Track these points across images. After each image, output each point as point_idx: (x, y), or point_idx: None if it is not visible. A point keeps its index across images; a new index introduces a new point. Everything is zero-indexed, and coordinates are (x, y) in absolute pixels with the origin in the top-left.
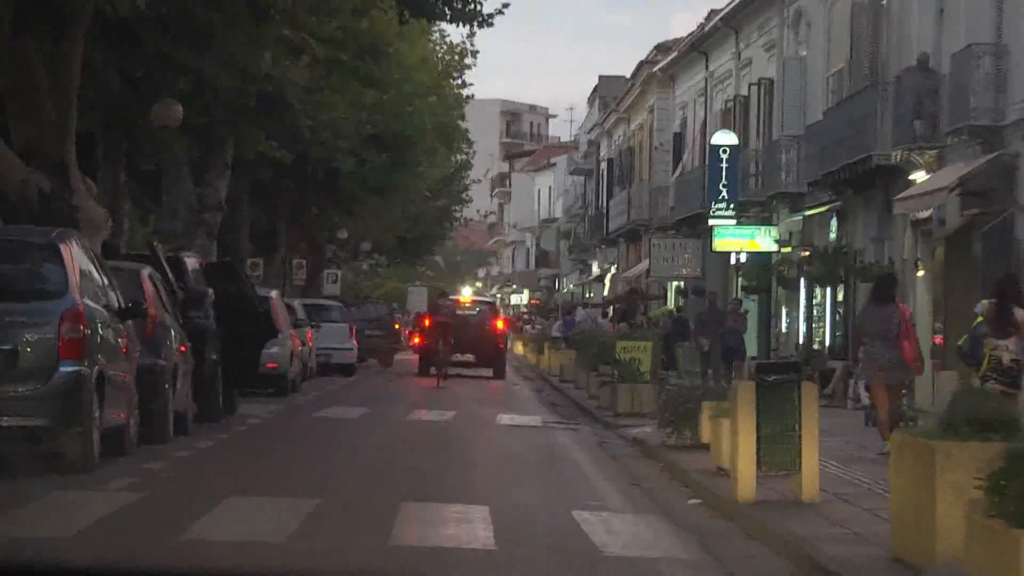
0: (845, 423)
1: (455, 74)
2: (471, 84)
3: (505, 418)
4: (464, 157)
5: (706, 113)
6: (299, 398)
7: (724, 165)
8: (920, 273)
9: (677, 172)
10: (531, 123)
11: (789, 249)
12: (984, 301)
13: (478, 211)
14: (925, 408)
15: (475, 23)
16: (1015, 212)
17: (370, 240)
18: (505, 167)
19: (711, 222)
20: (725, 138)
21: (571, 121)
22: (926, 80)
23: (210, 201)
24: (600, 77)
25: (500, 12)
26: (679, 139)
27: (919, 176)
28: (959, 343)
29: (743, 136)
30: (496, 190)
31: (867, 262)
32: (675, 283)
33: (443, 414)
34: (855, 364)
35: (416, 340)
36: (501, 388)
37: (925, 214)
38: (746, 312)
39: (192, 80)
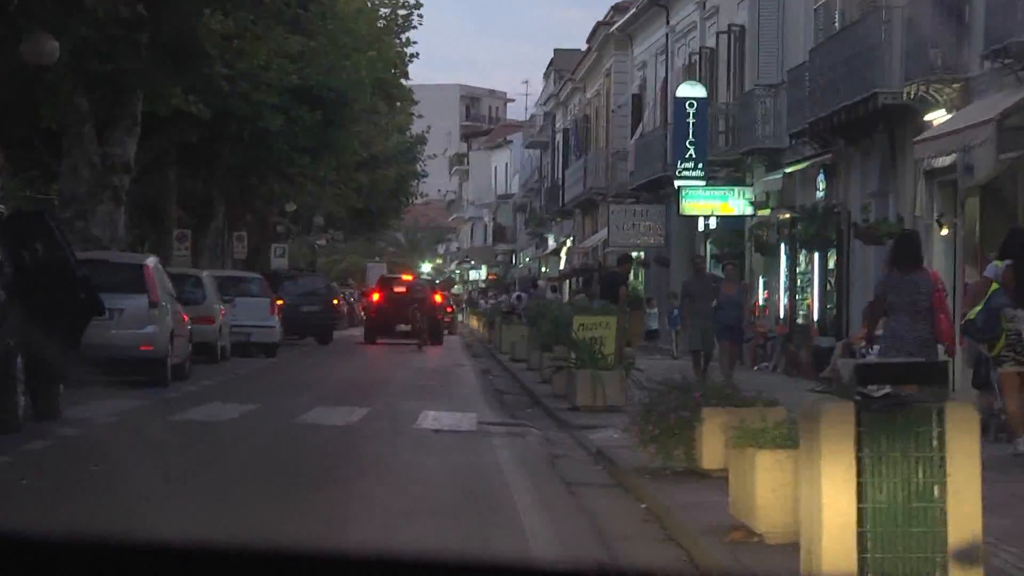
0: None
1: (397, 28)
2: (415, 43)
3: (431, 417)
4: (420, 132)
5: (667, 71)
6: (179, 388)
7: (691, 120)
8: (944, 232)
9: (637, 134)
10: (490, 107)
11: (767, 211)
12: (996, 262)
13: (438, 190)
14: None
15: None
16: None
17: (322, 213)
18: (464, 148)
19: (677, 183)
20: (691, 90)
21: (527, 95)
22: None
23: (117, 162)
24: (555, 50)
25: None
26: (638, 100)
27: (937, 116)
28: (968, 316)
29: (712, 91)
30: (455, 168)
31: (870, 220)
32: (635, 253)
33: (351, 412)
34: (870, 344)
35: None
36: (443, 368)
37: (947, 161)
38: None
39: (80, 18)
